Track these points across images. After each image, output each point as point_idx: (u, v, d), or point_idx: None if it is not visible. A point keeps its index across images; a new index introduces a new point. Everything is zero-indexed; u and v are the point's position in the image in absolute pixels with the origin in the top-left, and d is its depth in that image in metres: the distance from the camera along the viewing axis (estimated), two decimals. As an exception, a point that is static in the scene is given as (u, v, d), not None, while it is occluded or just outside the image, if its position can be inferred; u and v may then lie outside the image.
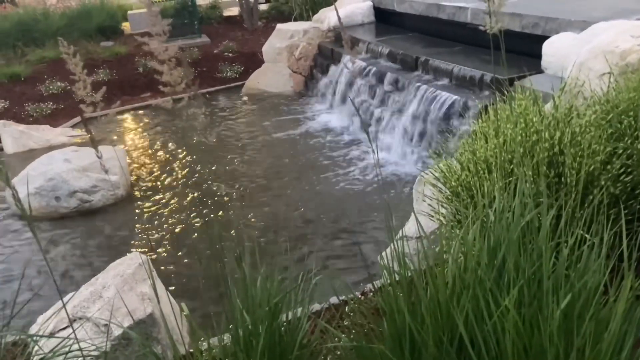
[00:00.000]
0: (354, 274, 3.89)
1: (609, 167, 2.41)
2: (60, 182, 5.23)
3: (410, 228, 3.19)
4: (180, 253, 4.45)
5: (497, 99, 3.12)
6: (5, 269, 4.41)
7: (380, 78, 6.59)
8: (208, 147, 6.70)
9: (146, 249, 4.52)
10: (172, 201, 5.35)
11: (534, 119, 2.59)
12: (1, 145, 7.20)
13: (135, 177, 5.96)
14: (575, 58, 3.75)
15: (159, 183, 5.80)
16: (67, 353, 1.96)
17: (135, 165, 6.33)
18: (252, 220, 4.88)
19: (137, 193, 5.62)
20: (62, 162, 5.46)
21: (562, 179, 2.40)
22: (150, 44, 1.39)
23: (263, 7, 12.11)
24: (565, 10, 5.28)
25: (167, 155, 6.54)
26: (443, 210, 2.68)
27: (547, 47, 4.78)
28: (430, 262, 1.82)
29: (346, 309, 2.51)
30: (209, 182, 5.73)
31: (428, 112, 5.54)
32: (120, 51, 9.73)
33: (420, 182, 3.38)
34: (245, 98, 8.75)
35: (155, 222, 4.97)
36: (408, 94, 6.00)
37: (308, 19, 10.07)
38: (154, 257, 4.34)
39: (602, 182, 2.34)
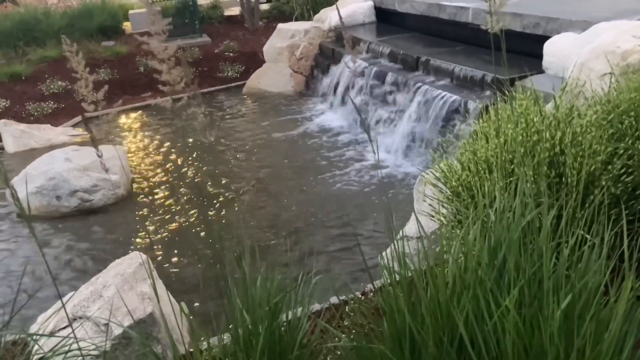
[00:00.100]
0: (354, 273, 3.89)
1: (609, 167, 2.41)
2: (61, 181, 5.23)
3: (410, 228, 3.19)
4: (180, 252, 4.45)
5: (498, 99, 3.11)
6: (5, 268, 4.41)
7: (381, 78, 6.59)
8: (209, 146, 6.70)
9: (146, 248, 4.52)
10: (173, 201, 5.35)
11: (535, 119, 2.59)
12: (2, 145, 7.21)
13: (135, 177, 5.96)
14: (577, 58, 3.75)
15: (159, 182, 5.80)
16: (66, 352, 1.96)
17: (136, 164, 6.33)
18: (252, 219, 4.87)
19: (137, 192, 5.62)
20: (63, 162, 5.46)
21: (563, 179, 2.40)
22: (149, 43, 1.39)
23: (264, 6, 12.11)
24: (566, 10, 5.27)
25: (168, 155, 6.54)
26: (443, 210, 2.68)
27: (548, 47, 4.77)
28: (430, 262, 1.82)
29: (346, 309, 2.51)
30: (210, 182, 5.73)
31: (429, 112, 5.53)
32: (121, 51, 9.73)
33: (421, 182, 3.38)
34: (246, 98, 8.74)
35: (156, 222, 4.97)
36: (409, 94, 5.99)
37: (309, 18, 10.06)
38: (154, 256, 4.34)
39: (603, 183, 2.33)
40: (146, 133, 7.50)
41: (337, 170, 5.82)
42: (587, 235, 1.76)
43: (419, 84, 5.88)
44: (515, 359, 1.51)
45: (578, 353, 1.46)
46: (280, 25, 9.08)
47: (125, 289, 2.66)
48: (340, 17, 1.91)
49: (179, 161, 6.34)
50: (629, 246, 1.61)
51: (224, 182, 5.69)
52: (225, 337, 2.03)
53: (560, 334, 1.47)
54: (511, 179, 2.35)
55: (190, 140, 6.96)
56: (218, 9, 12.11)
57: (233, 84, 9.24)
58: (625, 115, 2.63)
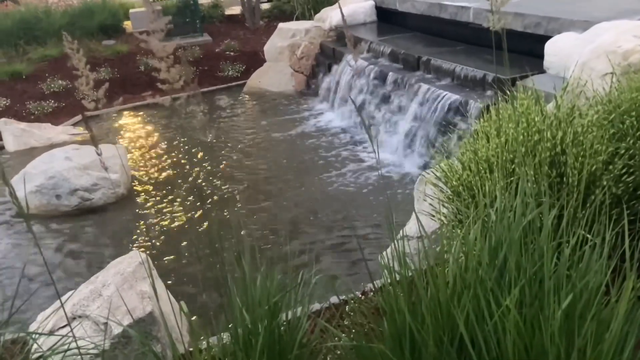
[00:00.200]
0: (354, 273, 3.89)
1: (611, 167, 2.40)
2: (61, 180, 5.23)
3: (411, 227, 3.19)
4: (180, 252, 4.45)
5: (499, 98, 3.11)
6: (5, 267, 4.41)
7: (382, 78, 6.58)
8: (209, 145, 6.69)
9: (146, 248, 4.52)
10: (173, 200, 5.34)
11: (536, 119, 2.58)
12: (2, 144, 7.20)
13: (136, 176, 5.96)
14: (578, 58, 3.74)
15: (159, 182, 5.80)
16: (65, 351, 1.95)
17: (136, 163, 6.32)
18: (252, 219, 4.87)
19: (137, 191, 5.62)
20: (63, 160, 5.45)
21: (564, 178, 2.39)
22: (148, 41, 1.38)
23: (265, 6, 12.11)
24: (567, 10, 5.26)
25: (168, 154, 6.54)
26: (444, 210, 2.67)
27: (550, 47, 4.77)
28: (431, 262, 1.81)
29: (346, 309, 2.51)
30: (209, 181, 5.72)
31: (429, 112, 5.53)
32: (121, 50, 9.73)
33: (422, 181, 3.37)
34: (246, 97, 8.74)
35: (156, 221, 4.97)
36: (410, 94, 5.99)
37: (310, 18, 10.06)
38: (154, 255, 4.33)
39: (604, 182, 2.33)
40: (146, 132, 7.50)
41: (338, 169, 5.81)
42: (588, 235, 1.76)
43: (420, 84, 5.87)
44: (516, 358, 1.50)
45: (579, 353, 1.46)
46: (281, 25, 9.08)
47: (124, 288, 2.65)
48: (343, 15, 1.91)
49: (179, 160, 6.34)
50: (630, 246, 1.61)
51: (223, 181, 5.69)
52: (224, 337, 2.03)
53: (561, 333, 1.47)
54: (512, 178, 2.34)
55: (191, 139, 6.95)
56: (219, 8, 12.10)
57: (234, 83, 9.24)
58: (626, 115, 2.62)
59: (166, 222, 4.93)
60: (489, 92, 5.14)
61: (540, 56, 4.88)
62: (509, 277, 1.63)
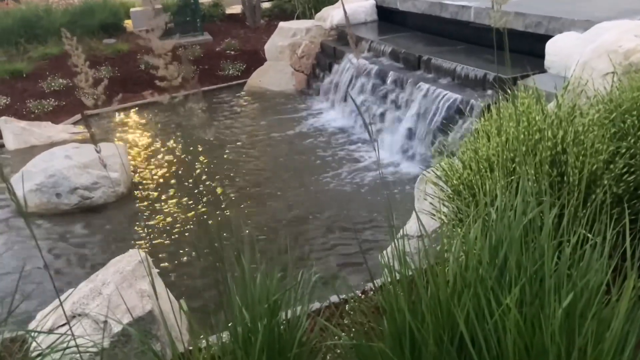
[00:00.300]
0: (354, 272, 3.88)
1: (611, 166, 2.40)
2: (61, 178, 5.22)
3: (411, 227, 3.18)
4: (180, 250, 4.44)
5: (500, 97, 3.10)
6: (4, 265, 4.41)
7: (382, 77, 6.57)
8: (209, 144, 6.69)
9: (146, 246, 4.51)
10: (172, 199, 5.34)
11: (537, 118, 2.58)
12: (2, 142, 7.20)
13: (136, 174, 5.95)
14: (579, 57, 3.74)
15: (159, 180, 5.79)
16: (64, 349, 1.95)
17: (137, 162, 6.32)
18: (252, 217, 4.86)
19: (137, 190, 5.61)
20: (63, 159, 5.45)
21: (565, 178, 2.39)
22: (147, 37, 1.38)
23: (266, 5, 12.10)
24: (568, 9, 5.26)
25: (168, 153, 6.53)
26: (444, 209, 2.67)
27: (550, 47, 4.76)
28: (431, 261, 1.81)
29: (346, 308, 2.50)
30: (209, 180, 5.72)
31: (430, 111, 5.52)
32: (122, 48, 9.72)
33: (422, 180, 3.37)
34: (247, 96, 8.73)
35: (156, 220, 4.96)
36: (410, 93, 5.98)
37: (311, 17, 10.05)
38: (153, 254, 4.33)
39: (605, 182, 2.32)
40: (147, 131, 7.49)
41: (338, 169, 5.81)
42: (588, 235, 1.75)
43: (421, 83, 5.86)
44: (516, 357, 1.50)
45: (579, 352, 1.45)
46: (281, 24, 9.07)
47: (124, 286, 2.65)
48: (346, 13, 1.90)
49: (180, 159, 6.33)
50: (631, 245, 1.60)
51: (223, 180, 5.68)
52: (224, 335, 2.02)
53: (562, 332, 1.46)
54: (513, 177, 2.34)
55: (191, 138, 6.95)
56: (219, 7, 12.10)
57: (234, 82, 9.23)
58: (627, 114, 2.62)
59: (166, 221, 4.92)
60: (489, 92, 5.13)
61: (541, 56, 4.87)
62: (510, 276, 1.63)
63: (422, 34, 7.43)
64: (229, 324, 1.95)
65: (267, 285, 1.98)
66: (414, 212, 3.09)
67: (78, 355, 1.94)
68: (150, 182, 5.78)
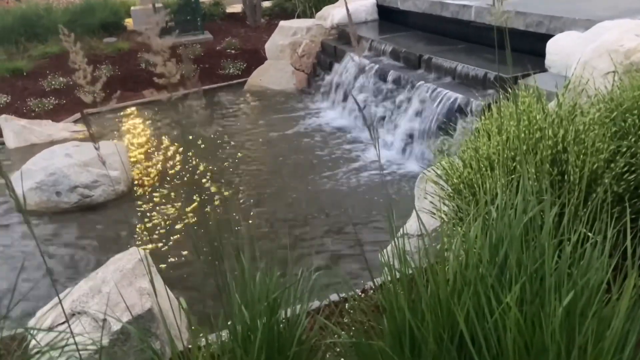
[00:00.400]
0: (354, 270, 3.88)
1: (612, 165, 2.40)
2: (61, 177, 5.22)
3: (411, 225, 3.18)
4: (179, 248, 4.44)
5: (501, 96, 3.10)
6: (3, 263, 4.41)
7: (383, 76, 6.57)
8: (209, 143, 6.68)
9: (146, 245, 4.51)
10: (172, 197, 5.34)
11: (538, 117, 2.58)
12: (2, 140, 7.19)
13: (136, 173, 5.95)
14: (580, 57, 3.73)
15: (159, 179, 5.79)
16: (63, 347, 1.94)
17: (137, 160, 6.32)
18: (252, 216, 4.86)
19: (137, 189, 5.61)
20: (63, 157, 5.44)
21: (565, 176, 2.39)
22: (146, 34, 1.37)
23: (266, 4, 12.09)
24: (569, 9, 5.25)
25: (168, 151, 6.53)
26: (445, 208, 2.66)
27: (551, 46, 4.75)
28: (431, 260, 1.81)
29: (346, 306, 2.50)
30: (209, 179, 5.72)
31: (430, 110, 5.52)
32: (123, 47, 9.72)
33: (422, 179, 3.37)
34: (247, 95, 8.73)
35: (155, 218, 4.96)
36: (411, 92, 5.98)
37: (311, 16, 10.04)
38: (153, 252, 4.32)
39: (606, 181, 2.32)
40: (147, 129, 7.49)
41: (337, 168, 5.80)
42: (589, 234, 1.75)
43: (421, 82, 5.86)
44: (516, 356, 1.50)
45: (580, 351, 1.45)
46: (282, 23, 9.06)
47: (124, 284, 2.65)
48: (348, 10, 1.89)
49: (180, 158, 6.33)
50: (632, 244, 1.60)
51: (223, 178, 5.68)
52: (223, 334, 2.02)
53: (562, 331, 1.46)
54: (513, 176, 2.33)
55: (191, 137, 6.94)
56: (220, 6, 12.09)
57: (234, 81, 9.22)
58: (628, 113, 2.61)
59: (166, 219, 4.92)
60: (490, 91, 5.13)
61: (542, 55, 4.87)
62: (510, 274, 1.62)
63: (423, 33, 7.42)
64: (229, 323, 1.94)
65: (266, 284, 1.98)
66: (414, 211, 3.08)
67: (77, 353, 1.93)
68: (150, 180, 5.78)
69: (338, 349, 2.11)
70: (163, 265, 4.17)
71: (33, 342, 2.28)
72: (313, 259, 3.86)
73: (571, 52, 4.30)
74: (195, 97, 1.54)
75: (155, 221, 4.91)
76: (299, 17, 10.56)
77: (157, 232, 4.73)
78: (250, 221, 4.78)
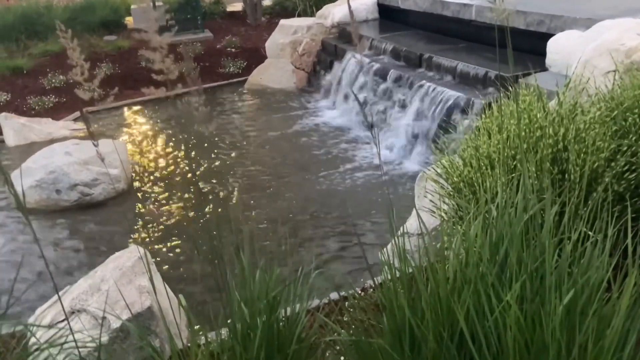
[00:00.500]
0: (354, 269, 3.87)
1: (613, 164, 2.39)
2: (61, 175, 5.21)
3: (411, 224, 3.17)
4: (179, 247, 4.44)
5: (501, 95, 3.09)
6: (3, 261, 4.40)
7: (383, 75, 6.56)
8: (209, 141, 6.67)
9: (145, 243, 4.51)
10: (172, 195, 5.33)
11: (538, 115, 2.57)
12: (2, 138, 7.19)
13: (136, 171, 5.95)
14: (580, 56, 3.73)
15: (159, 177, 5.79)
16: (62, 344, 1.94)
17: (137, 159, 6.31)
18: (251, 215, 4.86)
19: (137, 187, 5.61)
20: (63, 155, 5.44)
21: (566, 175, 2.38)
22: (145, 31, 1.37)
23: (267, 2, 12.08)
24: (570, 8, 5.25)
25: (168, 150, 6.53)
26: (445, 207, 2.66)
27: (552, 45, 4.75)
28: (431, 258, 1.80)
29: (346, 305, 2.50)
30: (209, 177, 5.71)
31: (431, 109, 5.51)
32: (123, 45, 9.71)
33: (422, 178, 3.36)
34: (247, 94, 8.72)
35: (155, 216, 4.96)
36: (411, 91, 5.97)
37: (312, 14, 10.03)
38: (153, 250, 4.32)
39: (606, 179, 2.32)
40: (147, 128, 7.49)
41: (338, 166, 5.80)
42: (589, 232, 1.75)
43: (422, 81, 5.85)
44: (517, 354, 1.49)
45: (580, 349, 1.45)
46: (282, 21, 9.06)
47: (123, 282, 2.64)
48: (350, 7, 1.89)
49: (180, 156, 6.33)
50: (633, 243, 1.59)
51: (223, 177, 5.68)
52: (223, 332, 2.02)
53: (562, 329, 1.45)
54: (513, 175, 2.33)
55: (191, 135, 6.94)
56: (220, 5, 12.08)
57: (235, 80, 9.21)
58: (629, 112, 2.61)
59: (165, 217, 4.92)
60: (490, 90, 5.12)
61: (543, 54, 4.86)
62: (510, 273, 1.62)
63: (424, 32, 7.42)
64: (228, 320, 1.94)
65: (266, 281, 1.97)
66: (414, 210, 3.08)
67: (76, 350, 1.93)
68: (150, 178, 5.77)
69: (338, 347, 2.11)
70: (163, 264, 4.17)
71: (32, 339, 2.27)
72: (313, 256, 3.86)
73: (572, 51, 4.30)
74: (195, 95, 1.53)
75: (155, 219, 4.91)
76: (299, 15, 10.55)
77: (156, 230, 4.73)
78: (249, 222, 4.78)
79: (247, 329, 1.89)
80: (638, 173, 2.39)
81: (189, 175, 5.81)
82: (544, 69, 4.81)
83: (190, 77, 1.51)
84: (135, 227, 4.86)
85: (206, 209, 5.08)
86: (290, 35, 8.70)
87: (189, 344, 2.26)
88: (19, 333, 2.51)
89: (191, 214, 4.97)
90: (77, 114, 8.00)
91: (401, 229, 2.94)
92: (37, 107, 8.07)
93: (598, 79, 3.34)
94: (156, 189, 5.51)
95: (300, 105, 7.95)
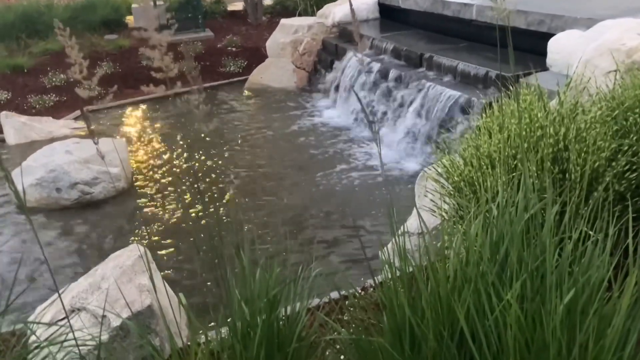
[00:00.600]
0: (354, 268, 3.88)
1: (613, 164, 2.39)
2: (62, 173, 5.21)
3: (412, 223, 3.17)
4: (179, 245, 4.44)
5: (502, 95, 3.09)
6: (3, 260, 4.40)
7: (384, 74, 6.56)
8: (209, 140, 6.67)
9: (146, 241, 4.51)
10: (172, 194, 5.33)
11: (539, 115, 2.57)
12: (3, 137, 7.19)
13: (136, 170, 5.94)
14: (581, 55, 3.72)
15: (159, 175, 5.79)
16: (62, 342, 1.94)
17: (137, 157, 6.31)
18: (251, 214, 4.86)
19: (138, 185, 5.61)
20: (64, 154, 5.44)
21: (567, 175, 2.38)
22: (145, 29, 1.37)
23: (267, 1, 12.08)
24: (570, 8, 5.25)
25: (168, 148, 6.53)
26: (445, 206, 2.66)
27: (553, 45, 4.75)
28: (431, 257, 1.80)
29: (346, 304, 2.49)
30: (209, 176, 5.71)
31: (432, 109, 5.51)
32: (123, 44, 9.71)
33: (423, 177, 3.36)
34: (248, 93, 8.72)
35: (156, 215, 4.96)
36: (412, 91, 5.97)
37: (312, 14, 10.03)
38: (153, 249, 4.32)
39: (607, 179, 2.31)
40: (147, 126, 7.48)
41: (338, 166, 5.79)
42: (590, 232, 1.74)
43: (422, 81, 5.85)
44: (517, 353, 1.49)
45: (580, 348, 1.44)
46: (283, 21, 9.06)
47: (123, 281, 2.64)
48: (351, 5, 1.88)
49: (180, 155, 6.32)
50: (633, 242, 1.59)
51: (223, 176, 5.68)
52: (223, 331, 2.01)
53: (563, 328, 1.45)
54: (514, 174, 2.33)
55: (192, 133, 6.94)
56: (221, 4, 12.08)
57: (235, 79, 9.21)
58: (629, 111, 2.61)
59: (166, 216, 4.92)
60: (491, 90, 5.12)
61: (543, 54, 4.86)
62: (511, 272, 1.62)
63: (424, 32, 7.41)
64: (228, 319, 1.94)
65: (266, 280, 1.97)
66: (414, 209, 3.08)
67: (76, 348, 1.93)
68: (150, 177, 5.77)
69: (338, 346, 2.11)
70: (163, 262, 4.17)
71: (32, 337, 2.27)
72: (313, 255, 3.86)
73: (573, 50, 4.30)
74: (196, 94, 1.53)
75: (156, 218, 4.91)
76: (300, 15, 10.55)
77: (157, 228, 4.73)
78: (250, 216, 4.78)
79: (247, 328, 1.89)
80: (639, 173, 2.39)
81: (189, 173, 5.81)
82: (544, 68, 4.81)
83: (191, 76, 1.50)
84: (136, 226, 4.86)
85: (206, 208, 5.08)
86: (291, 34, 8.70)
87: (189, 343, 2.26)
88: (19, 331, 2.51)
89: (191, 213, 4.97)
90: (78, 112, 8.00)
91: (401, 228, 2.94)
92: (37, 106, 8.07)
93: (599, 78, 3.34)
94: (156, 187, 5.51)
95: (301, 105, 7.94)
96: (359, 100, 2.08)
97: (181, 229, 4.70)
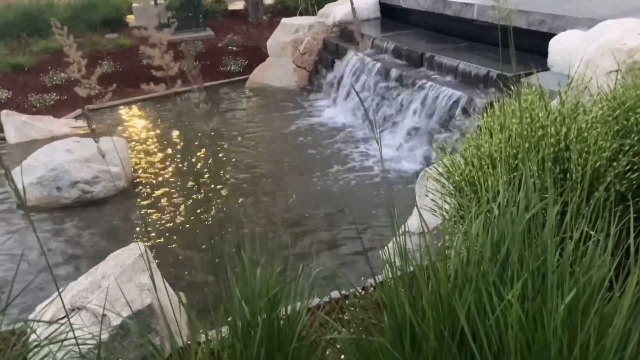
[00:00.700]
0: (354, 268, 3.87)
1: (615, 163, 2.38)
2: (62, 172, 5.22)
3: (413, 223, 3.17)
4: (180, 244, 4.43)
5: (503, 94, 3.09)
6: (3, 258, 4.40)
7: (385, 74, 6.56)
8: (209, 139, 6.67)
9: (146, 240, 4.51)
10: (173, 193, 5.33)
11: (540, 114, 2.57)
12: (3, 135, 7.19)
13: (137, 169, 5.94)
14: (582, 55, 3.72)
15: (159, 175, 5.79)
16: (62, 341, 1.94)
17: (137, 156, 6.31)
18: (252, 213, 4.85)
19: (138, 184, 5.61)
20: (64, 153, 5.44)
21: (568, 174, 2.38)
22: (146, 28, 1.37)
23: (268, 1, 12.08)
24: (571, 8, 5.25)
25: (169, 147, 6.53)
26: (446, 206, 2.66)
27: (554, 45, 4.74)
28: (432, 257, 1.80)
29: (346, 303, 2.49)
30: (210, 175, 5.71)
31: (432, 109, 5.51)
32: (124, 43, 9.72)
33: (424, 177, 3.36)
34: (248, 92, 8.72)
35: (156, 214, 4.96)
36: (413, 90, 5.97)
37: (313, 13, 10.03)
38: (153, 247, 4.32)
39: (608, 179, 2.31)
40: (148, 125, 7.48)
41: (339, 165, 5.79)
42: (591, 232, 1.74)
43: (423, 80, 5.85)
44: (518, 353, 1.49)
45: (581, 348, 1.44)
46: (284, 20, 9.06)
47: (124, 280, 2.64)
48: (352, 4, 1.88)
49: (181, 154, 6.32)
50: (635, 242, 1.59)
51: (223, 175, 5.68)
52: (223, 330, 2.01)
53: (564, 328, 1.45)
54: (515, 174, 2.33)
55: (192, 133, 6.94)
56: (222, 3, 12.09)
57: (236, 78, 9.22)
58: (631, 111, 2.60)
59: (166, 215, 4.92)
60: (492, 89, 5.12)
61: (544, 54, 4.85)
62: (512, 271, 1.61)
63: (425, 32, 7.41)
64: (229, 318, 1.94)
65: (266, 279, 1.97)
66: (415, 209, 3.08)
67: (77, 347, 1.93)
68: (151, 176, 5.77)
69: (338, 346, 2.10)
70: (163, 261, 4.17)
71: (32, 336, 2.27)
72: (313, 255, 3.85)
73: (574, 50, 4.29)
74: (196, 93, 1.53)
75: (156, 217, 4.91)
76: (301, 14, 10.55)
77: (157, 227, 4.73)
78: (250, 215, 4.78)
79: (248, 327, 1.88)
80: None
81: (190, 172, 5.81)
82: (545, 68, 4.80)
83: (191, 75, 1.50)
84: (136, 225, 4.86)
85: (206, 207, 5.08)
86: (292, 34, 8.69)
87: (189, 342, 2.25)
88: (19, 330, 2.51)
89: (191, 211, 4.97)
90: (78, 111, 8.00)
91: (402, 227, 2.94)
92: (38, 105, 8.07)
93: (600, 78, 3.33)
94: (157, 186, 5.51)
95: (301, 104, 7.94)
96: (360, 100, 2.07)
97: (181, 228, 4.70)
